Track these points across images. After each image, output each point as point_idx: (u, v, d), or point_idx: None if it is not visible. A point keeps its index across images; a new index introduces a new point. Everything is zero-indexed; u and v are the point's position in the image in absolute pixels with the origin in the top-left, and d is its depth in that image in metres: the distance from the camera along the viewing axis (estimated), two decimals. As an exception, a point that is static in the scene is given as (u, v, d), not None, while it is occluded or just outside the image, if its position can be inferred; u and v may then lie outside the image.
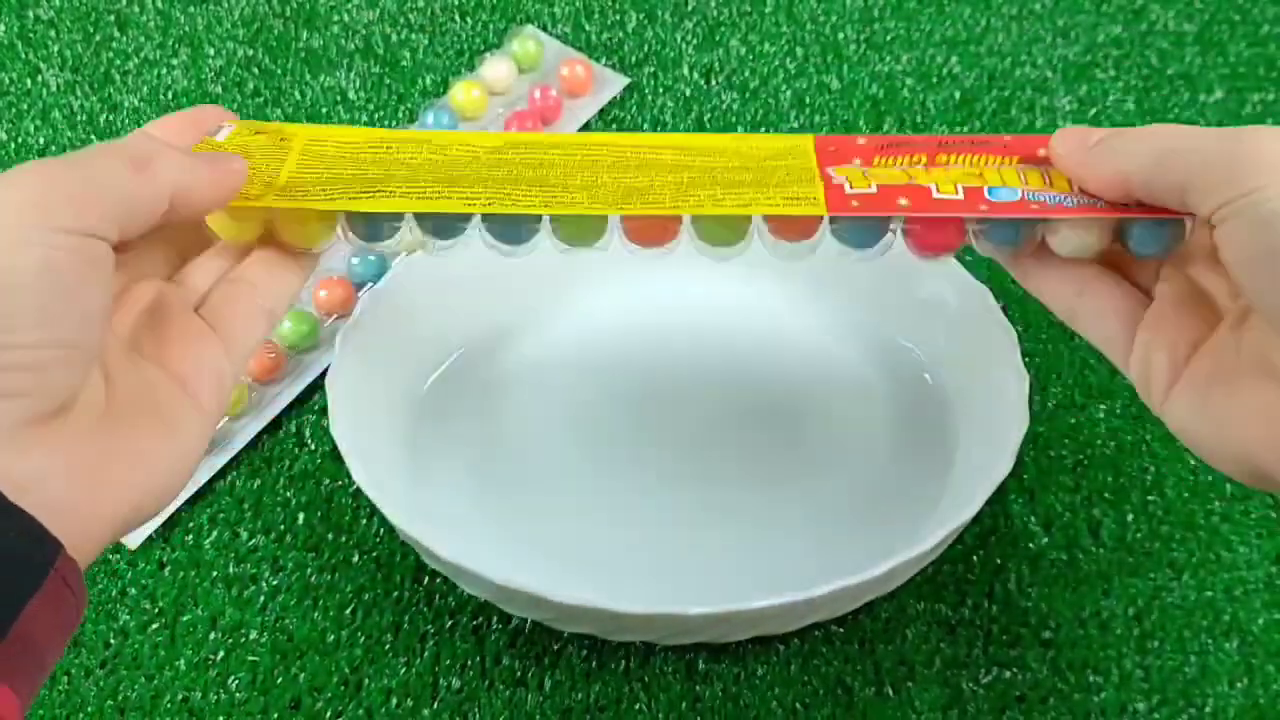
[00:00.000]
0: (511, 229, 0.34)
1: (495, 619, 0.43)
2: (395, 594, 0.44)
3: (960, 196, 0.33)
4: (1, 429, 0.25)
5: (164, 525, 0.46)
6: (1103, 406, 0.49)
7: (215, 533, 0.46)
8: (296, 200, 0.33)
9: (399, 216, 0.34)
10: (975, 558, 0.45)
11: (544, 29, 0.64)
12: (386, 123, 0.60)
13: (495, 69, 0.60)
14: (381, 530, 0.46)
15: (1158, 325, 0.32)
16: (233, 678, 0.42)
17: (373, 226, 0.34)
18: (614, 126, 0.60)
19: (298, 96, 0.61)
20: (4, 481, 0.25)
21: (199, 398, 0.31)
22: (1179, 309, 0.32)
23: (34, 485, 0.26)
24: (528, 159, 0.35)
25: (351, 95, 0.61)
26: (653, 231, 0.34)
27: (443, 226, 0.34)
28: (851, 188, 0.34)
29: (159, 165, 0.28)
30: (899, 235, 0.34)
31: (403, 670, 0.42)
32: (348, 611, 0.44)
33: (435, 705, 0.42)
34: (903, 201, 0.33)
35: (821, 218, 0.33)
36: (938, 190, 0.33)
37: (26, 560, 0.25)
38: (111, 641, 0.43)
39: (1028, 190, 0.33)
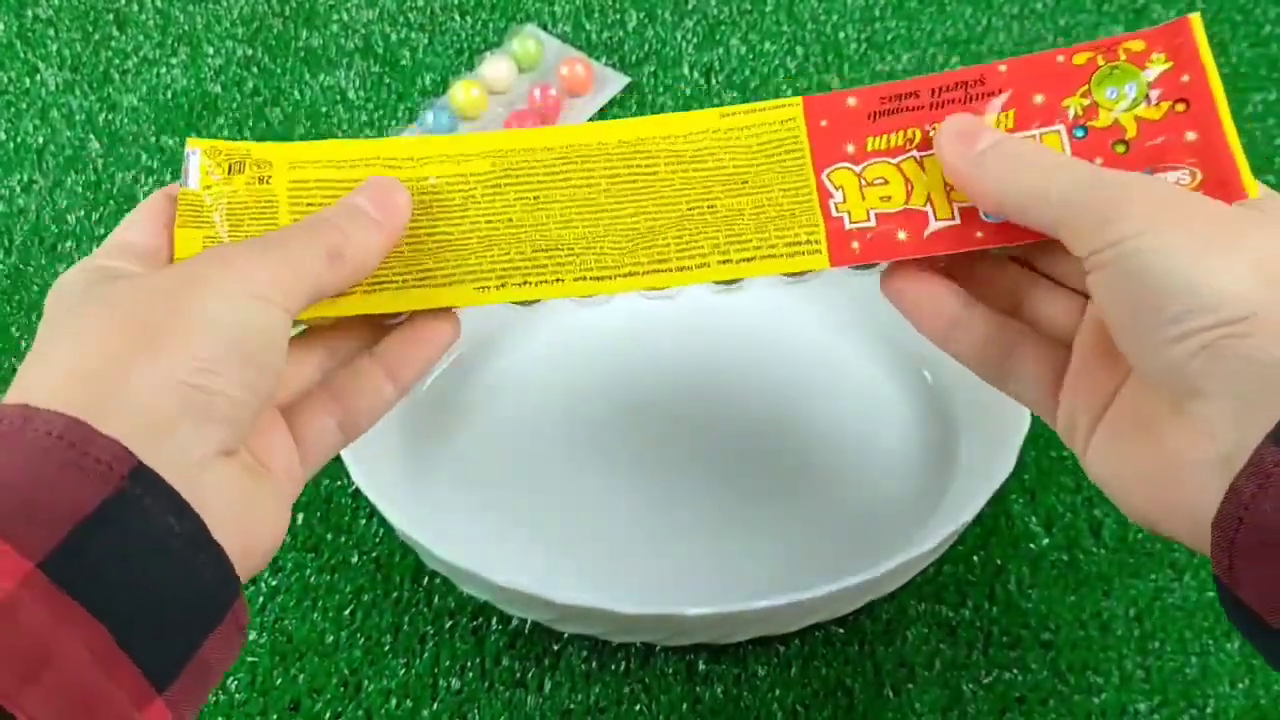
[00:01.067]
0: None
1: (495, 620, 0.43)
2: (395, 595, 0.44)
3: (956, 221, 0.32)
4: (206, 453, 0.27)
5: (163, 525, 0.46)
6: (1104, 407, 0.49)
7: (214, 533, 0.46)
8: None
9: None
10: (976, 558, 0.45)
11: (544, 28, 0.64)
12: (386, 122, 0.60)
13: (495, 68, 0.60)
14: (381, 530, 0.46)
15: (1077, 383, 0.31)
16: (232, 679, 0.42)
17: None
18: (614, 126, 0.60)
19: (297, 96, 0.61)
20: (203, 508, 0.26)
21: (277, 478, 0.31)
22: (1096, 360, 0.31)
23: (217, 516, 0.27)
24: (523, 192, 0.34)
25: (351, 94, 0.61)
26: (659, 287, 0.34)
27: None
28: (851, 221, 0.33)
29: (349, 256, 0.31)
30: None
31: (402, 671, 0.42)
32: (347, 612, 0.44)
33: (435, 706, 0.42)
34: (901, 236, 0.33)
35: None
36: (934, 215, 0.33)
37: (212, 599, 0.26)
38: (110, 642, 0.43)
39: None
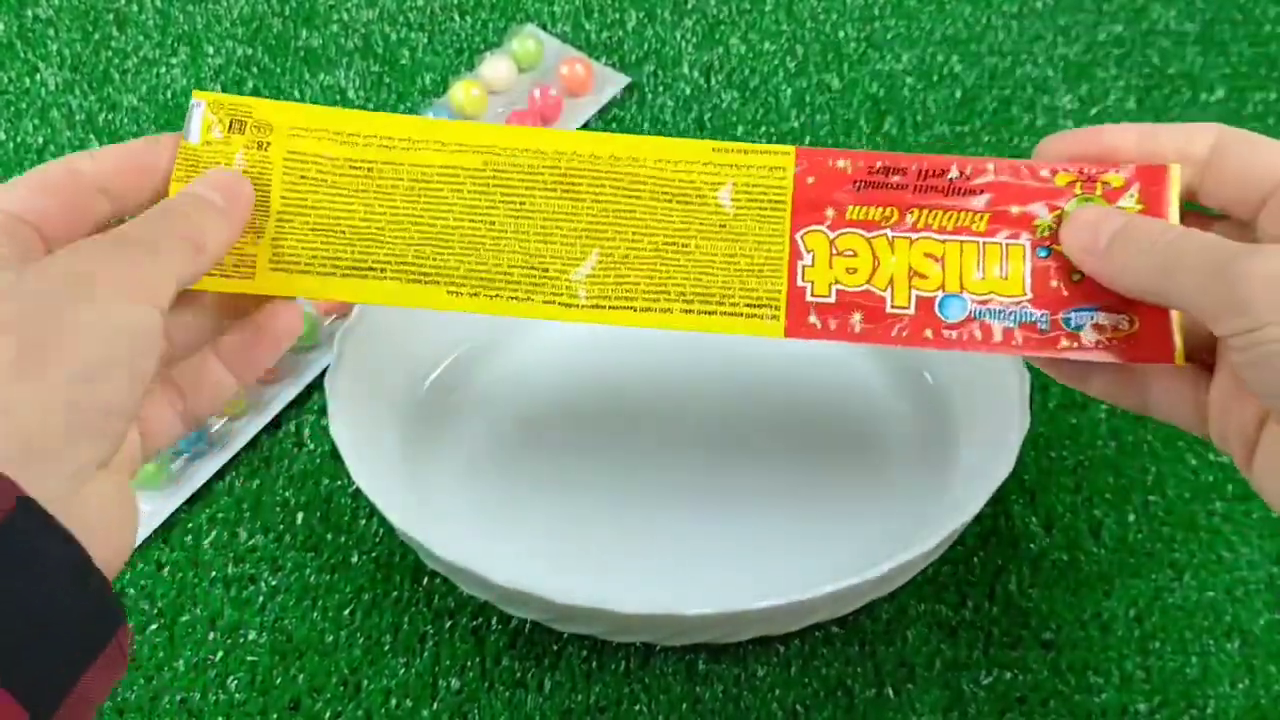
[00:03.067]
0: None
1: (495, 620, 0.43)
2: (395, 594, 0.44)
3: (912, 311, 0.34)
4: (87, 470, 0.27)
5: (162, 526, 0.46)
6: (1104, 407, 0.49)
7: (214, 533, 0.46)
8: (282, 277, 0.34)
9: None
10: (976, 559, 0.45)
11: (544, 28, 0.64)
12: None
13: (495, 68, 0.60)
14: (381, 530, 0.46)
15: (1224, 405, 0.32)
16: (232, 678, 0.42)
17: None
18: (614, 126, 0.60)
19: (297, 95, 0.61)
20: (83, 529, 0.26)
21: (133, 464, 0.31)
22: (1239, 392, 0.31)
23: (95, 535, 0.26)
24: (509, 196, 0.35)
25: (351, 94, 0.61)
26: None
27: None
28: (813, 293, 0.34)
29: (210, 243, 0.31)
30: None
31: (402, 671, 0.42)
32: (347, 612, 0.44)
33: (435, 706, 0.42)
34: (855, 319, 0.34)
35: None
36: (892, 301, 0.34)
37: (97, 627, 0.26)
38: (110, 642, 0.43)
39: (976, 302, 0.34)
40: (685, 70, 0.62)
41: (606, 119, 0.60)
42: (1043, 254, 0.34)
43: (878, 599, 0.42)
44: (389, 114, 0.35)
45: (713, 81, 0.62)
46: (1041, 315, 0.33)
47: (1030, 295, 0.34)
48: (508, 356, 0.49)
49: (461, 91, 0.58)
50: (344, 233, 0.34)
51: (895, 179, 0.35)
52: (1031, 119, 0.59)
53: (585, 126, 0.59)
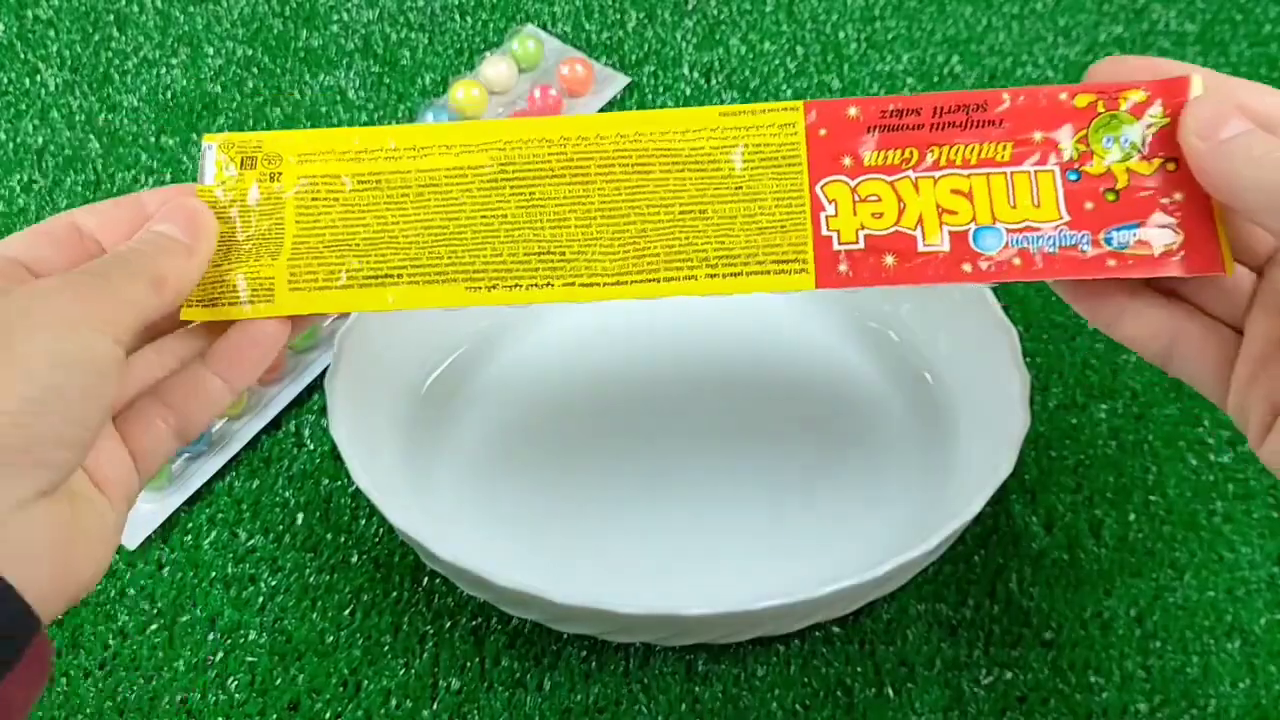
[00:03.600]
0: None
1: (495, 620, 0.43)
2: (394, 594, 0.44)
3: (946, 248, 0.33)
4: (21, 499, 0.27)
5: (162, 526, 0.46)
6: (1104, 406, 0.49)
7: (214, 533, 0.46)
8: (301, 296, 0.34)
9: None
10: (976, 558, 0.45)
11: (544, 28, 0.64)
12: (386, 122, 0.60)
13: (495, 68, 0.60)
14: (381, 530, 0.46)
15: (1251, 370, 0.31)
16: (231, 679, 0.42)
17: None
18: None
19: (297, 96, 0.61)
20: (9, 554, 0.26)
21: (110, 493, 0.31)
22: (1273, 352, 0.31)
23: (24, 559, 0.27)
24: (519, 188, 0.35)
25: (351, 94, 0.61)
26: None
27: None
28: (840, 241, 0.33)
29: (172, 281, 0.31)
30: None
31: (402, 671, 0.42)
32: (347, 612, 0.44)
33: (434, 706, 0.41)
34: (889, 260, 0.33)
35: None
36: (924, 240, 0.33)
37: (9, 639, 0.26)
38: (110, 642, 0.43)
39: (1012, 229, 0.33)
40: (685, 70, 0.62)
41: (606, 119, 0.60)
42: (1073, 177, 0.33)
43: (878, 599, 0.42)
44: (393, 126, 0.36)
45: (713, 82, 0.62)
46: (1083, 236, 0.33)
47: (1067, 218, 0.33)
48: (507, 356, 0.49)
49: (462, 91, 0.58)
50: (358, 245, 0.35)
51: (910, 119, 0.34)
52: (1032, 119, 0.59)
53: (585, 127, 0.59)
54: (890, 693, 0.42)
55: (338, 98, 0.61)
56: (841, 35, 0.63)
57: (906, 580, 0.41)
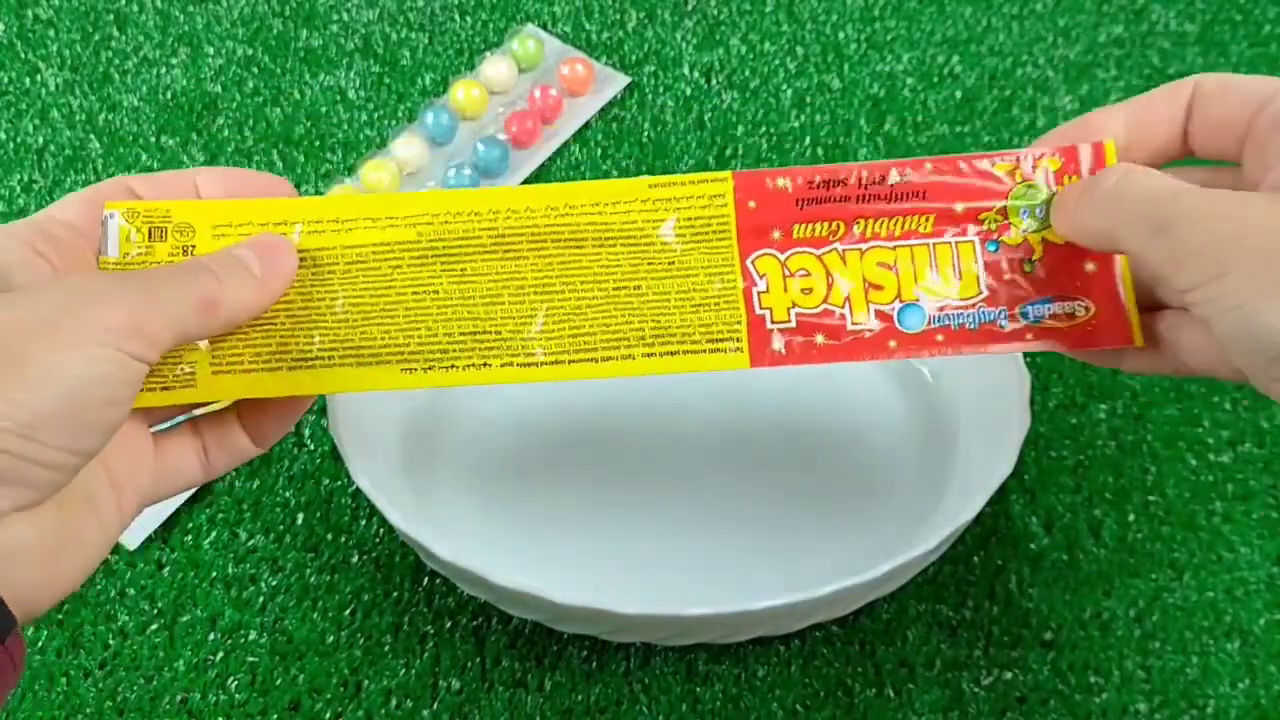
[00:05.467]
0: None
1: (495, 620, 0.43)
2: (395, 595, 0.44)
3: (873, 326, 0.34)
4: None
5: (162, 526, 0.46)
6: (1104, 407, 0.49)
7: (214, 533, 0.46)
8: (226, 380, 0.33)
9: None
10: (976, 558, 0.45)
11: (544, 28, 0.64)
12: (386, 122, 0.60)
13: (495, 68, 0.60)
14: (381, 530, 0.46)
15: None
16: (232, 679, 0.42)
17: None
18: (614, 126, 0.60)
19: (297, 96, 0.61)
20: None
21: (123, 497, 0.31)
22: None
23: (6, 561, 0.27)
24: (450, 264, 0.34)
25: (351, 94, 0.61)
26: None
27: None
28: (773, 320, 0.34)
29: (226, 307, 0.31)
30: None
31: (402, 671, 0.42)
32: (347, 612, 0.44)
33: (435, 706, 0.42)
34: (819, 339, 0.34)
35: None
36: (851, 319, 0.34)
37: None
38: (110, 642, 0.43)
39: (934, 308, 0.34)
40: (685, 70, 0.62)
41: (607, 119, 0.60)
42: (992, 248, 0.34)
43: (878, 599, 0.42)
44: (313, 198, 0.34)
45: (713, 81, 0.62)
46: (999, 313, 0.34)
47: (985, 294, 0.34)
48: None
49: (462, 91, 0.58)
50: (284, 324, 0.33)
51: (837, 191, 0.34)
52: (1032, 119, 0.59)
53: (586, 127, 0.59)
54: (890, 693, 0.42)
55: (338, 98, 0.61)
56: (841, 35, 0.63)
57: (906, 580, 0.41)
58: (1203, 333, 0.31)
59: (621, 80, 0.61)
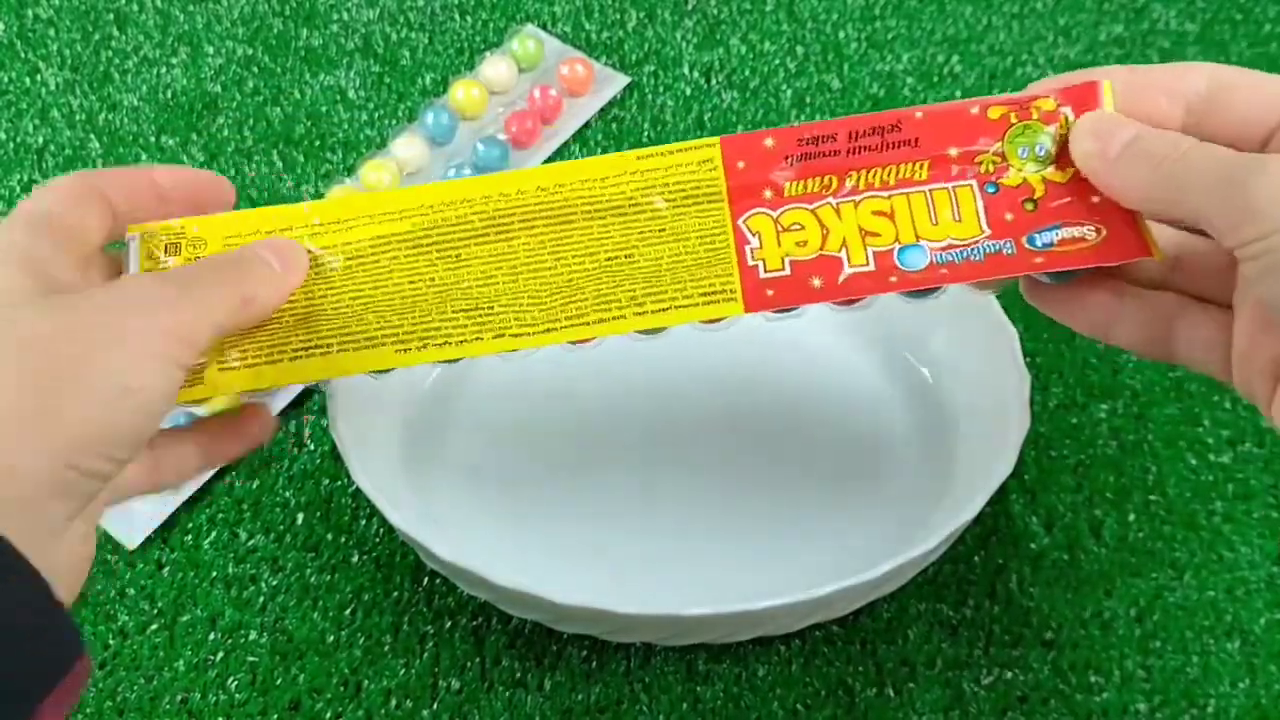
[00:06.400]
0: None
1: (495, 620, 0.43)
2: (395, 595, 0.44)
3: (871, 267, 0.33)
4: (64, 524, 0.27)
5: (162, 526, 0.46)
6: (1104, 406, 0.49)
7: (214, 533, 0.46)
8: (231, 375, 0.34)
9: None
10: (976, 558, 0.45)
11: (544, 28, 0.64)
12: (387, 122, 0.60)
13: (495, 68, 0.60)
14: (381, 530, 0.46)
15: (1244, 346, 0.31)
16: (232, 679, 0.42)
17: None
18: (614, 126, 0.60)
19: (297, 95, 0.61)
20: (51, 572, 0.26)
21: (110, 498, 0.32)
22: (1260, 326, 0.31)
23: (61, 574, 0.27)
24: (444, 251, 0.35)
25: (351, 94, 0.61)
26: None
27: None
28: (766, 270, 0.34)
29: (260, 298, 0.32)
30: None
31: (402, 671, 0.42)
32: (347, 612, 0.44)
33: (435, 706, 0.41)
34: (815, 283, 0.33)
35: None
36: (848, 261, 0.33)
37: (56, 661, 0.26)
38: (110, 642, 0.43)
39: (935, 247, 0.33)
40: (685, 70, 0.62)
41: (607, 119, 0.60)
42: (991, 190, 0.33)
43: (878, 599, 0.42)
44: (315, 202, 0.35)
45: (713, 81, 0.62)
46: (1005, 243, 0.33)
47: (988, 231, 0.33)
48: (508, 356, 0.49)
49: (462, 91, 0.58)
50: (286, 321, 0.34)
51: (827, 146, 0.34)
52: (1032, 119, 0.59)
53: (586, 127, 0.59)
54: (891, 692, 0.42)
55: (338, 97, 0.61)
56: (841, 35, 0.63)
57: (906, 580, 0.41)
58: (1205, 328, 0.32)
59: (621, 80, 0.61)
